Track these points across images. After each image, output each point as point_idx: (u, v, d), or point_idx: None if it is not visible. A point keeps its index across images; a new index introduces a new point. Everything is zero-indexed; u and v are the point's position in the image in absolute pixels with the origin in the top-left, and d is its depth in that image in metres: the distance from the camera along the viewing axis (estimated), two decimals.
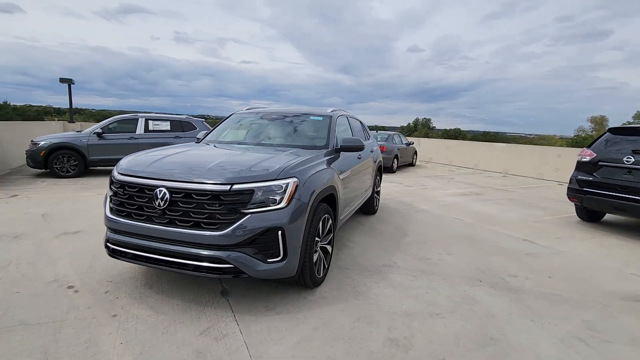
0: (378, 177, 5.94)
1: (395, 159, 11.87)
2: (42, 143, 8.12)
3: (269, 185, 2.56)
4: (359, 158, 4.50)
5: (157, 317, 2.56)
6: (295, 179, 2.69)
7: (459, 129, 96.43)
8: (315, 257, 2.98)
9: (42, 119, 38.60)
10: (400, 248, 4.25)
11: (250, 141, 3.90)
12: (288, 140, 3.87)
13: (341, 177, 3.66)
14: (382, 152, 10.97)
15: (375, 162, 5.55)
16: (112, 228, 2.74)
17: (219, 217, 2.48)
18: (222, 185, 2.49)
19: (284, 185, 2.61)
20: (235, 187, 2.49)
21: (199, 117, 10.49)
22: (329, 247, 3.34)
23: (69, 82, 14.29)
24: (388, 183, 9.49)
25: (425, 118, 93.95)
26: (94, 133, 8.51)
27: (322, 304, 2.85)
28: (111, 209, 2.79)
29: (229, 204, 2.48)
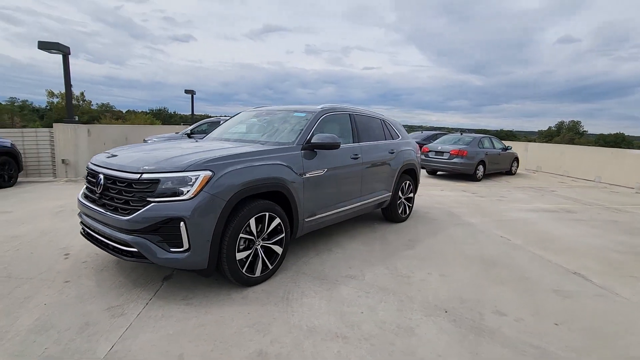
0: (409, 183, 5.33)
1: (481, 166, 10.38)
2: (147, 140, 9.96)
3: (176, 177, 2.62)
4: (354, 158, 4.14)
5: (92, 289, 2.90)
6: (207, 172, 2.68)
7: (623, 134, 77.75)
8: (243, 255, 2.89)
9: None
10: (386, 261, 3.74)
11: (234, 138, 4.01)
12: (266, 137, 3.83)
13: (308, 175, 3.45)
14: (461, 157, 9.77)
15: (398, 164, 5.00)
16: (81, 209, 3.21)
17: (131, 203, 2.66)
18: (134, 174, 2.67)
19: (193, 178, 2.63)
20: (144, 176, 2.64)
21: None
22: (276, 248, 3.19)
23: (192, 93, 17.10)
24: (456, 191, 8.39)
25: (572, 121, 78.71)
26: (185, 133, 9.99)
27: (238, 303, 2.75)
28: (83, 193, 3.27)
29: (138, 191, 2.64)
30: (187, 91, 16.58)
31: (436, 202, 7.03)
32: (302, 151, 3.50)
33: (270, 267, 3.17)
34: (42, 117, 53.84)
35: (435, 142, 11.50)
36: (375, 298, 2.92)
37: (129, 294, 2.83)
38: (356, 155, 4.19)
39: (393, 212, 5.12)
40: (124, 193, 2.71)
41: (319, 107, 4.10)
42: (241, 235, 2.85)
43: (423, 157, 10.82)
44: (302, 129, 3.68)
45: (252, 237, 2.97)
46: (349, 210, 4.17)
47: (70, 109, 8.67)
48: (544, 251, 4.27)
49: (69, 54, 8.27)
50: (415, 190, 5.66)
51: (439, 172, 11.44)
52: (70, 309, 2.58)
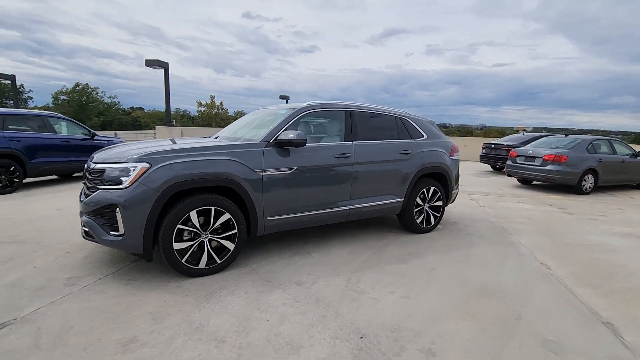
0: (434, 189, 4.63)
1: (591, 175, 8.25)
2: None
3: (117, 167, 2.90)
4: (341, 157, 3.83)
5: (77, 261, 3.42)
6: (144, 165, 2.88)
7: None
8: (183, 245, 3.00)
9: None
10: (357, 273, 3.35)
11: (224, 136, 4.15)
12: (250, 134, 3.86)
13: (269, 172, 3.36)
14: (559, 163, 8.01)
15: (414, 166, 4.40)
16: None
17: (89, 189, 3.06)
18: (93, 164, 3.06)
19: (131, 169, 2.87)
20: (97, 166, 3.01)
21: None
22: (226, 243, 3.21)
23: (286, 98, 18.38)
24: (540, 205, 6.88)
25: None
26: None
27: (166, 290, 2.86)
28: None
29: (93, 179, 3.02)
30: (282, 97, 17.87)
31: (495, 214, 5.91)
32: (266, 148, 3.42)
33: (219, 261, 3.20)
34: (194, 122, 65.11)
35: (528, 145, 9.63)
36: (299, 309, 2.66)
37: (96, 269, 3.25)
38: (344, 154, 3.87)
39: (409, 221, 4.54)
40: (89, 182, 3.13)
41: (305, 103, 3.94)
42: (180, 226, 2.97)
43: (510, 162, 9.20)
44: (274, 127, 3.60)
45: (196, 230, 3.06)
46: (333, 214, 3.87)
47: (168, 114, 10.33)
48: (586, 289, 3.17)
49: (168, 68, 9.88)
50: (446, 199, 4.88)
51: (534, 182, 9.54)
52: (46, 274, 3.11)
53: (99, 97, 53.05)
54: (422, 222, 4.64)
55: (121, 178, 2.87)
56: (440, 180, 4.80)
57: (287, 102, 18.41)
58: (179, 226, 2.97)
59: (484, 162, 12.57)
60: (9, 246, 3.77)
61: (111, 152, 3.27)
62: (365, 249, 4.00)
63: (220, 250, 3.24)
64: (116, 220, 2.84)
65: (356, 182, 3.98)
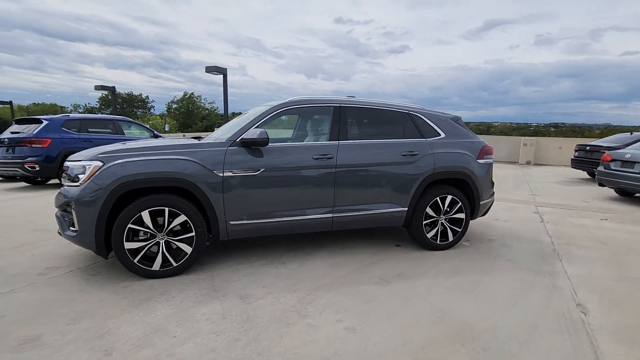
0: (452, 198, 3.85)
1: None
2: None
3: (75, 165, 2.98)
4: (321, 158, 3.39)
5: (67, 251, 3.67)
6: (98, 163, 2.91)
7: None
8: (135, 245, 2.96)
9: None
10: (317, 292, 2.90)
11: (217, 135, 4.04)
12: (229, 133, 3.68)
13: (231, 174, 3.14)
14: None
15: (423, 170, 3.70)
16: None
17: (61, 186, 3.22)
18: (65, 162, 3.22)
19: (86, 167, 2.92)
20: (65, 163, 3.14)
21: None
22: (183, 246, 3.09)
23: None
24: (626, 224, 5.30)
25: None
26: None
27: (111, 291, 2.83)
28: None
29: (64, 177, 3.16)
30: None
31: (555, 233, 4.71)
32: (230, 148, 3.20)
33: (175, 264, 3.09)
34: None
35: (628, 147, 7.56)
36: (219, 328, 2.35)
37: (78, 261, 3.42)
38: (325, 155, 3.43)
39: (418, 234, 3.84)
40: (63, 178, 3.31)
41: (288, 99, 3.61)
42: (132, 226, 2.93)
43: (601, 169, 7.36)
44: (244, 125, 3.36)
45: (149, 230, 2.99)
46: (312, 222, 3.45)
47: (226, 116, 10.90)
48: (624, 354, 2.20)
49: (226, 74, 10.44)
50: (472, 211, 4.03)
51: (637, 195, 7.46)
52: (33, 262, 3.38)
53: (202, 104, 60.04)
54: (435, 237, 3.89)
55: (79, 175, 2.95)
56: (462, 188, 3.97)
57: None
58: (131, 226, 2.93)
59: (576, 168, 10.40)
60: (32, 233, 4.26)
61: (87, 150, 3.41)
62: (350, 264, 3.49)
63: (178, 252, 3.12)
64: (72, 216, 2.93)
65: (341, 187, 3.50)
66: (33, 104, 60.34)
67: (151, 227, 2.99)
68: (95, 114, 43.74)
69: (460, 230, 3.98)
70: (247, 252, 3.74)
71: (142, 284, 2.96)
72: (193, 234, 3.09)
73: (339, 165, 3.46)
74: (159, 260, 3.04)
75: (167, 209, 3.00)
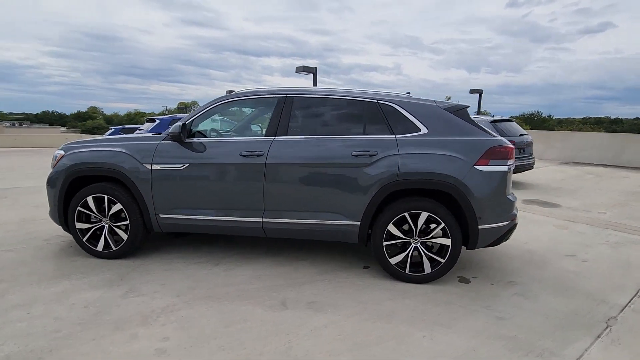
0: (428, 216, 2.84)
1: None
2: None
3: (55, 153, 3.53)
4: (247, 155, 3.03)
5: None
6: (61, 152, 3.39)
7: None
8: (84, 226, 3.31)
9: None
10: (196, 302, 2.61)
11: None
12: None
13: (158, 167, 3.16)
14: None
15: (380, 176, 2.86)
16: None
17: None
18: None
19: (56, 155, 3.44)
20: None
21: None
22: (120, 232, 3.30)
23: (479, 92, 15.46)
24: None
25: None
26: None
27: (44, 262, 3.27)
28: None
29: None
30: (472, 91, 15.20)
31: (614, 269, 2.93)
32: (162, 142, 3.22)
33: (114, 248, 3.33)
34: None
35: None
36: (65, 313, 2.40)
37: (57, 236, 4.05)
38: (254, 152, 3.04)
39: (378, 258, 3.01)
40: None
41: (236, 92, 3.36)
42: (79, 208, 3.29)
43: None
44: (183, 119, 3.31)
45: (94, 214, 3.31)
46: (241, 225, 3.14)
47: None
48: None
49: (316, 73, 10.60)
50: (464, 235, 2.89)
51: None
52: (20, 235, 4.22)
53: None
54: (402, 264, 2.96)
55: (53, 162, 3.50)
56: (449, 204, 2.88)
57: (480, 96, 15.54)
58: (80, 209, 3.29)
59: None
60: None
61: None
62: (276, 279, 3.01)
63: (118, 238, 3.34)
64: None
65: (273, 190, 3.05)
66: None
67: (95, 211, 3.30)
68: None
69: (444, 261, 2.90)
70: (200, 248, 3.69)
71: (86, 262, 3.28)
72: (127, 222, 3.26)
73: (269, 164, 3.02)
74: (101, 242, 3.33)
75: (106, 197, 3.25)
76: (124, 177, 3.20)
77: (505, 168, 2.87)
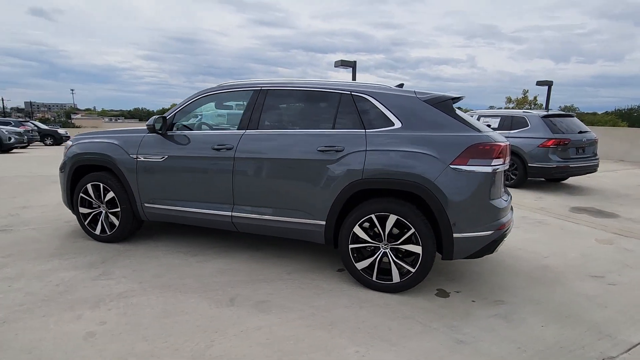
0: (398, 219, 2.55)
1: None
2: None
3: (67, 143, 3.88)
4: (218, 149, 3.01)
5: None
6: (70, 142, 3.73)
7: None
8: (88, 210, 3.61)
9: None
10: (150, 291, 2.68)
11: None
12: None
13: (142, 158, 3.31)
14: None
15: (345, 173, 2.65)
16: None
17: None
18: None
19: (67, 145, 3.78)
20: None
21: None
22: (113, 219, 3.53)
23: (548, 84, 13.73)
24: None
25: None
26: None
27: (61, 239, 3.61)
28: None
29: None
30: (540, 82, 13.55)
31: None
32: (147, 134, 3.35)
33: (109, 233, 3.58)
34: None
35: None
36: (21, 288, 2.63)
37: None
38: (224, 145, 3.02)
39: (344, 262, 2.82)
40: None
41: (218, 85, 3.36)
42: (82, 195, 3.60)
43: None
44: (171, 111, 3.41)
45: (93, 200, 3.58)
46: (213, 218, 3.15)
47: None
48: None
49: (355, 67, 10.33)
50: (437, 244, 2.56)
51: None
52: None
53: None
54: (369, 270, 2.72)
55: (64, 150, 3.86)
56: (422, 207, 2.57)
57: (549, 89, 13.94)
58: (82, 195, 3.60)
59: None
60: None
61: None
62: (241, 275, 2.97)
63: (113, 223, 3.58)
64: None
65: (241, 185, 3.01)
66: None
67: (93, 198, 3.57)
68: None
69: (414, 270, 2.61)
70: (192, 238, 3.79)
71: (84, 244, 3.57)
72: (118, 209, 3.48)
73: (238, 159, 2.98)
74: (99, 226, 3.60)
75: (101, 185, 3.50)
76: (115, 167, 3.41)
77: (488, 169, 2.47)
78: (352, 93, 2.85)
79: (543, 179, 7.54)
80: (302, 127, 2.99)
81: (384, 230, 2.64)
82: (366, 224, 2.69)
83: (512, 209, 2.98)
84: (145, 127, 3.37)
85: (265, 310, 2.45)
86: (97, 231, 3.61)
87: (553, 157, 6.65)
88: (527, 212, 5.29)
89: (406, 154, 2.56)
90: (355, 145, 2.69)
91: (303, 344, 2.10)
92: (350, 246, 2.74)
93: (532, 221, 4.86)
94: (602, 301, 2.70)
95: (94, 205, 3.61)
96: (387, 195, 2.69)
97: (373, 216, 2.65)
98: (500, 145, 2.52)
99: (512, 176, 7.16)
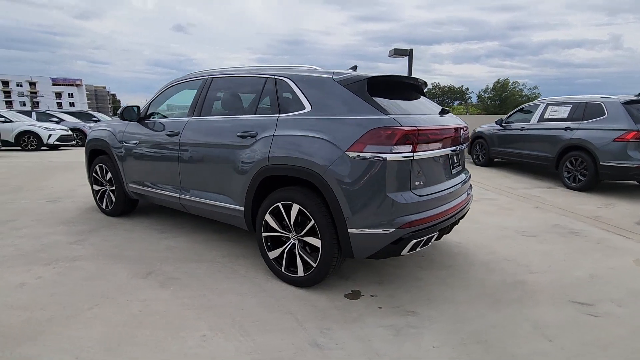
0: (300, 209, 2.40)
1: None
2: None
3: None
4: (169, 135, 3.24)
5: None
6: (89, 130, 4.43)
7: None
8: (99, 188, 4.27)
9: None
10: (100, 260, 3.06)
11: None
12: None
13: (125, 144, 3.75)
14: None
15: (257, 160, 2.59)
16: None
17: None
18: None
19: (88, 132, 4.51)
20: None
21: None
22: (112, 195, 4.11)
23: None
24: None
25: None
26: (496, 122, 7.95)
27: (86, 212, 4.34)
28: None
29: None
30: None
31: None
32: (130, 122, 3.77)
33: (110, 207, 4.17)
34: None
35: None
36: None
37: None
38: (173, 131, 3.23)
39: (260, 250, 2.78)
40: None
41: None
42: (94, 175, 4.28)
43: None
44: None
45: (101, 179, 4.22)
46: (170, 199, 3.41)
47: None
48: None
49: (412, 55, 9.65)
50: (336, 237, 2.33)
51: None
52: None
53: (519, 90, 53.87)
54: (279, 260, 2.63)
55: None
56: (322, 196, 2.36)
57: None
58: (94, 175, 4.28)
59: None
60: None
61: None
62: (187, 253, 3.16)
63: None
64: None
65: (184, 168, 3.19)
66: None
67: (100, 177, 4.21)
68: None
69: (316, 264, 2.43)
70: (171, 218, 4.15)
71: (92, 216, 4.23)
72: (114, 187, 4.03)
73: (182, 144, 3.16)
74: (105, 202, 4.24)
75: (104, 166, 4.10)
76: (109, 151, 3.96)
77: (386, 156, 2.13)
78: (276, 77, 2.76)
79: (623, 182, 5.97)
80: (233, 113, 3.02)
81: (290, 220, 2.51)
82: (277, 213, 2.59)
83: (464, 202, 2.53)
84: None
85: (166, 286, 2.58)
86: (104, 205, 4.24)
87: (633, 154, 5.20)
88: (568, 220, 4.29)
89: (305, 139, 2.38)
90: (267, 130, 2.60)
91: (162, 320, 2.16)
92: (264, 234, 2.68)
93: (564, 231, 3.93)
94: (552, 333, 2.09)
95: (102, 184, 4.25)
96: (296, 184, 2.54)
97: (280, 205, 2.54)
98: (402, 130, 2.14)
99: (581, 177, 5.85)
